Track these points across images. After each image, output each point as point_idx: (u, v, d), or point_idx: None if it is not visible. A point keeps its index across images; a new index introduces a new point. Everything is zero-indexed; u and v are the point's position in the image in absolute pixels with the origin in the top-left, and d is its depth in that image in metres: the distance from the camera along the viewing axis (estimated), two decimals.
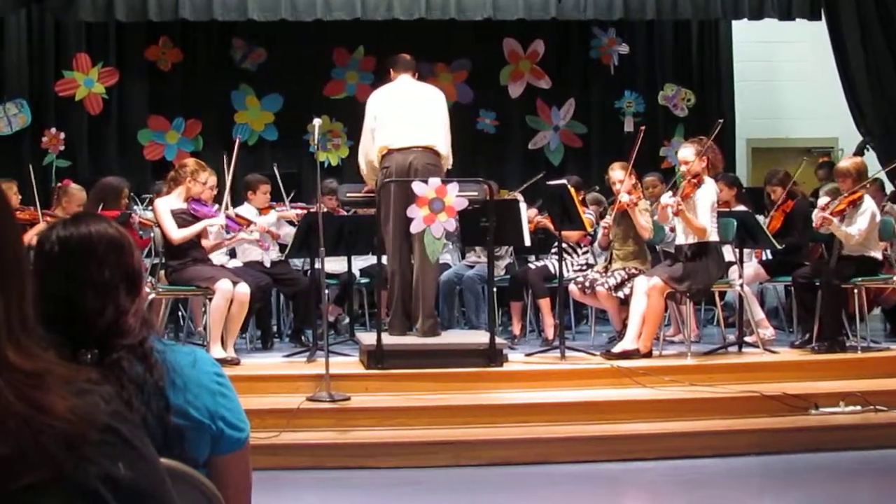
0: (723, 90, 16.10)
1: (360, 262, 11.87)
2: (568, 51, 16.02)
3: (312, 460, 8.02)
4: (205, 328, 10.56)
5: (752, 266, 11.38)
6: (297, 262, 11.79)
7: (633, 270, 10.39)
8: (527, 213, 10.83)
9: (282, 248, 11.27)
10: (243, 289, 9.66)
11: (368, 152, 9.98)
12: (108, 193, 10.75)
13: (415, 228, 9.38)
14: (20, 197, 11.01)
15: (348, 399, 8.67)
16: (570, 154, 15.87)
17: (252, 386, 8.65)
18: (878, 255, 10.29)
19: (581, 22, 14.73)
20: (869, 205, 10.10)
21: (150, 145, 15.07)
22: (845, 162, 10.73)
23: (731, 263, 10.65)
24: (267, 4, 12.90)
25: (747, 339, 10.40)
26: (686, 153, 9.93)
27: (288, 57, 15.25)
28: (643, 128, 10.67)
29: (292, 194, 11.99)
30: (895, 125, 13.48)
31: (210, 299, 9.71)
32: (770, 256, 11.61)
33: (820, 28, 13.62)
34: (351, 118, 14.06)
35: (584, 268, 11.41)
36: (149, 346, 2.62)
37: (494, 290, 10.25)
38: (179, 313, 11.56)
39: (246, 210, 11.10)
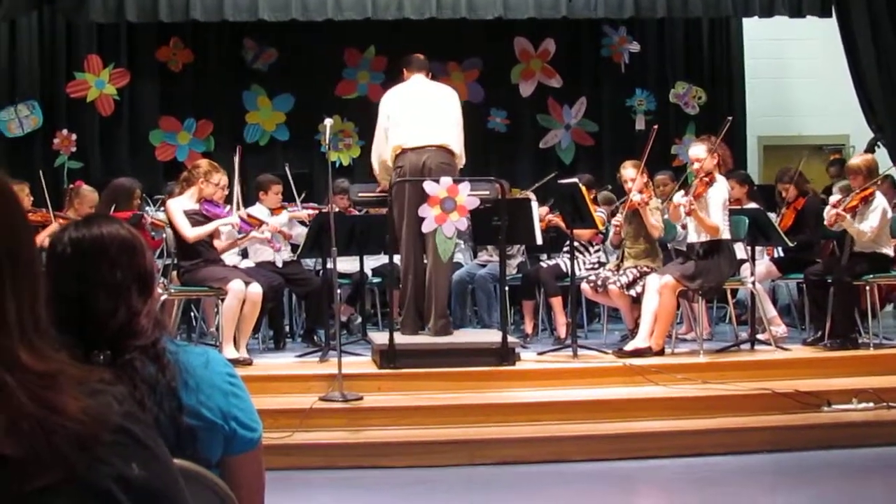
0: (734, 88, 16.08)
1: (372, 261, 11.88)
2: (579, 49, 16.02)
3: (325, 460, 8.03)
4: (217, 329, 10.56)
5: (763, 263, 11.37)
6: (308, 262, 11.80)
7: (645, 268, 10.38)
8: (538, 212, 10.84)
9: (294, 248, 11.27)
10: (255, 289, 9.67)
11: (382, 152, 9.97)
12: (120, 194, 10.76)
13: (426, 228, 9.38)
14: (32, 199, 11.01)
15: (361, 399, 8.68)
16: (581, 152, 15.86)
17: (264, 386, 8.66)
18: (890, 252, 10.27)
19: (592, 20, 14.72)
20: (880, 201, 10.09)
21: (162, 146, 15.08)
22: (856, 159, 10.72)
23: (742, 261, 10.65)
24: (278, 5, 12.89)
25: (759, 336, 10.40)
26: (697, 151, 9.92)
27: (299, 57, 15.26)
28: (656, 127, 10.65)
29: (304, 194, 11.97)
30: None
31: (222, 300, 9.72)
32: (782, 254, 11.59)
33: (831, 25, 13.60)
34: (362, 118, 14.08)
35: (596, 266, 11.40)
36: (161, 347, 2.63)
37: (506, 288, 10.25)
38: (192, 314, 11.56)
39: (258, 210, 11.10)
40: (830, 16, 13.54)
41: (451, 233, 9.33)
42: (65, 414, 1.32)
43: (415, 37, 13.29)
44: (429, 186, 9.26)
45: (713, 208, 9.69)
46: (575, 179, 10.80)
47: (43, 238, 9.09)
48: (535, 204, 10.89)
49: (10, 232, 1.40)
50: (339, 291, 10.04)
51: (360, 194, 10.91)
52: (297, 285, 11.23)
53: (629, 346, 9.85)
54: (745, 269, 10.55)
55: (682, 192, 10.11)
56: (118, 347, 2.55)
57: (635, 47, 15.82)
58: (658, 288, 9.75)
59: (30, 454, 1.29)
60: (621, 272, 10.51)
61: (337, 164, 14.82)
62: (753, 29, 15.76)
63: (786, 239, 10.62)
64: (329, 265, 9.76)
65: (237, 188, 10.65)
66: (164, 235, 10.98)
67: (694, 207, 9.59)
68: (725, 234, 9.82)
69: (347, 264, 11.41)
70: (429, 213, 9.27)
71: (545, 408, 8.74)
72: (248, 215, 10.64)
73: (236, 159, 10.75)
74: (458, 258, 12.54)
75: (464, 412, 8.67)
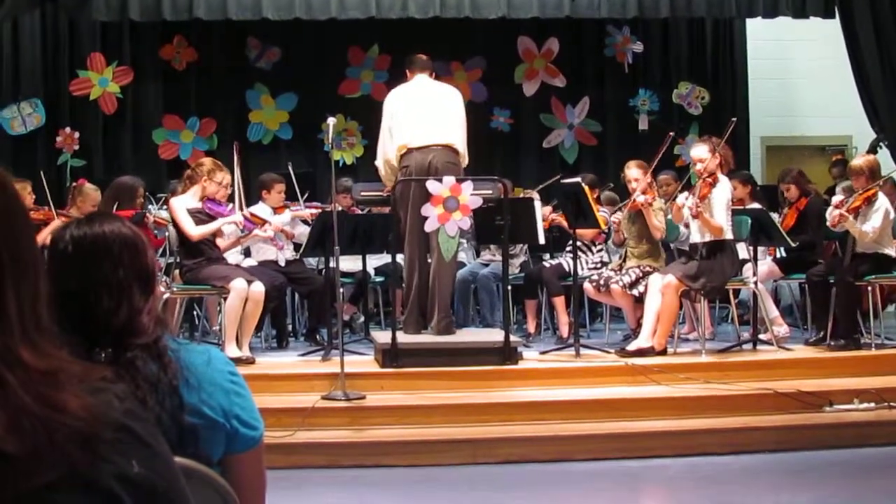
0: (737, 88, 16.06)
1: (375, 260, 11.89)
2: (582, 49, 16.00)
3: (327, 459, 8.02)
4: (220, 327, 10.57)
5: (766, 264, 11.37)
6: (311, 261, 11.81)
7: (648, 268, 10.39)
8: (541, 211, 10.84)
9: (296, 247, 11.27)
10: (258, 288, 9.67)
11: (387, 152, 9.97)
12: (122, 193, 10.76)
13: (429, 227, 9.39)
14: (34, 196, 11.01)
15: (363, 398, 8.68)
16: (584, 152, 15.85)
17: (267, 385, 8.68)
18: (892, 253, 10.27)
19: (595, 20, 14.69)
20: (883, 202, 10.10)
21: (165, 144, 15.07)
22: (858, 160, 10.73)
23: (745, 261, 10.66)
24: (281, 3, 12.87)
25: (762, 336, 10.40)
26: (700, 151, 9.93)
27: (302, 56, 15.26)
28: (671, 133, 10.70)
29: (307, 193, 11.97)
30: None
31: (225, 298, 9.72)
32: (784, 254, 11.60)
33: (834, 26, 13.58)
34: (366, 117, 14.09)
35: (599, 266, 11.41)
36: (163, 345, 2.63)
37: (509, 288, 10.24)
38: (194, 312, 11.56)
39: (260, 209, 11.11)
40: (834, 17, 13.52)
41: (454, 232, 9.34)
42: (66, 412, 1.32)
43: (418, 36, 13.29)
44: (432, 186, 9.27)
45: (716, 209, 9.70)
46: (578, 179, 10.79)
47: (45, 236, 9.10)
48: (538, 203, 10.90)
49: (12, 230, 1.40)
50: (341, 290, 10.05)
51: (363, 193, 10.92)
52: (299, 284, 11.23)
53: (632, 346, 9.85)
54: (748, 269, 10.55)
55: (685, 192, 10.12)
56: (120, 345, 2.55)
57: (639, 47, 15.81)
58: (661, 288, 9.75)
59: (31, 452, 1.29)
60: (624, 272, 10.52)
61: (340, 163, 14.82)
62: (757, 29, 15.75)
63: (788, 239, 10.62)
64: (332, 264, 9.76)
65: (238, 185, 10.65)
66: (166, 234, 10.97)
67: (700, 210, 9.60)
68: (728, 235, 9.83)
69: (350, 263, 11.40)
70: (432, 212, 9.28)
71: (548, 407, 8.75)
72: (252, 214, 10.64)
73: (235, 155, 10.74)
74: (461, 257, 12.53)
75: (466, 411, 8.67)
